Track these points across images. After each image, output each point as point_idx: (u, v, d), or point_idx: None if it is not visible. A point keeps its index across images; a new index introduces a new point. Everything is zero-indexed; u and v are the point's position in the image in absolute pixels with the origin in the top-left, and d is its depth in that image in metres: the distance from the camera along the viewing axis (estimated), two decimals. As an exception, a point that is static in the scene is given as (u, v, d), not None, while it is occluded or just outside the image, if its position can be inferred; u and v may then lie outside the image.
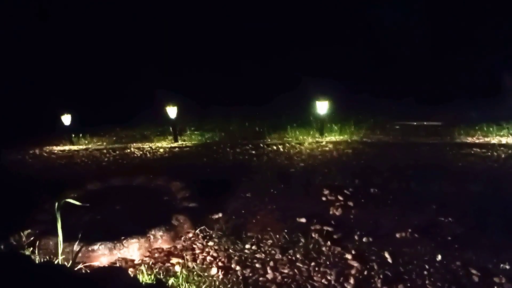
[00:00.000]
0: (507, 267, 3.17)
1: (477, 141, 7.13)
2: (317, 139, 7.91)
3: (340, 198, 4.72)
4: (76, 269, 3.30)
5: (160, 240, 3.86)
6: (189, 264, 3.48)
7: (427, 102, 10.40)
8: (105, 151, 8.40)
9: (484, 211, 4.15)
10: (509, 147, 6.45)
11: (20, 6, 13.65)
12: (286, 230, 4.02)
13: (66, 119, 9.45)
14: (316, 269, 3.33)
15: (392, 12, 12.60)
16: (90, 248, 3.59)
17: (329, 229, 3.99)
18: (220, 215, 4.48)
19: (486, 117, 8.27)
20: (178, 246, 3.85)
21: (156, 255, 3.70)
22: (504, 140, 6.97)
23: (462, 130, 7.81)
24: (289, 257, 3.54)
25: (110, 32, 13.90)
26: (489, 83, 9.98)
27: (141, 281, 3.15)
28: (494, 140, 7.06)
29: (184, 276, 3.26)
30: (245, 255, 3.61)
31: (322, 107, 8.16)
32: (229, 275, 3.30)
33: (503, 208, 4.19)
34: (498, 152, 6.28)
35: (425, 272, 3.18)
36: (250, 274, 3.31)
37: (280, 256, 3.56)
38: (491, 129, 7.73)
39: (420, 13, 12.52)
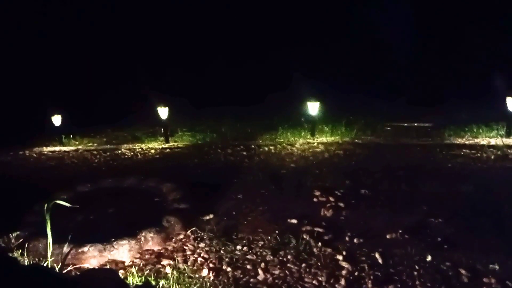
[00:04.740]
0: (496, 267, 3.19)
1: (466, 142, 7.17)
2: (308, 140, 7.92)
3: (331, 199, 4.73)
4: (65, 271, 3.27)
5: (151, 241, 3.84)
6: (180, 265, 3.47)
7: (417, 103, 10.46)
8: (95, 152, 8.35)
9: (474, 212, 4.18)
10: (498, 148, 6.50)
11: (12, 7, 13.54)
12: (277, 231, 4.02)
13: (57, 120, 9.39)
14: (307, 270, 3.33)
15: (384, 13, 12.67)
16: (80, 250, 3.56)
17: (320, 230, 3.99)
18: (211, 216, 4.48)
19: (476, 118, 8.34)
20: (169, 248, 3.84)
21: (147, 256, 3.68)
22: (493, 141, 7.02)
23: (452, 131, 7.86)
24: (280, 258, 3.54)
25: (101, 32, 13.83)
26: (478, 84, 10.06)
27: (131, 283, 3.13)
28: (484, 141, 7.11)
29: (174, 277, 3.24)
30: (236, 257, 3.61)
31: (313, 108, 8.18)
32: (220, 277, 3.30)
33: (492, 209, 4.22)
34: (487, 153, 6.33)
35: (415, 273, 3.20)
36: (241, 276, 3.31)
37: (271, 257, 3.56)
38: (480, 130, 7.79)
39: (411, 15, 12.59)
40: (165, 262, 3.56)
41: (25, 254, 3.62)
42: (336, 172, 5.81)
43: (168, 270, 3.39)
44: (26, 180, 6.53)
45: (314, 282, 3.17)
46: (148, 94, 9.93)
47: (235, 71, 13.21)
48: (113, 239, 3.70)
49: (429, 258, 3.38)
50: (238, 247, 3.76)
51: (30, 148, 9.14)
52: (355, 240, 3.78)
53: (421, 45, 12.49)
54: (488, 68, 10.19)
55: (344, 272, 3.26)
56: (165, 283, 3.17)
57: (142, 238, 3.81)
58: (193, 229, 4.14)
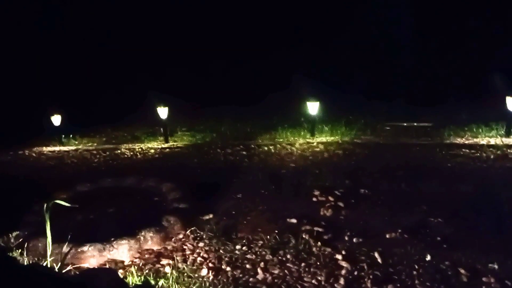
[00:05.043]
0: (496, 267, 3.20)
1: (466, 142, 7.18)
2: (308, 140, 7.92)
3: (331, 198, 4.73)
4: (65, 271, 3.27)
5: (150, 241, 3.84)
6: (180, 265, 3.47)
7: (417, 103, 10.46)
8: (95, 151, 8.35)
9: (473, 212, 4.19)
10: (498, 148, 6.51)
11: (12, 7, 13.54)
12: (276, 231, 4.02)
13: (56, 120, 9.39)
14: (307, 269, 3.33)
15: (383, 13, 12.67)
16: (79, 250, 3.56)
17: (320, 229, 3.99)
18: (211, 216, 4.48)
19: (476, 118, 8.34)
20: (169, 247, 3.84)
21: (146, 256, 3.68)
22: (492, 141, 7.02)
23: (451, 131, 7.87)
24: (280, 257, 3.54)
25: (101, 32, 13.83)
26: (478, 84, 10.06)
27: (130, 282, 3.13)
28: (483, 141, 7.11)
29: (174, 277, 3.25)
30: (236, 256, 3.61)
31: (313, 107, 8.18)
32: (220, 276, 3.30)
33: (492, 209, 4.23)
34: (487, 153, 6.33)
35: (415, 272, 3.20)
36: (241, 275, 3.31)
37: (270, 256, 3.56)
38: (480, 130, 7.79)
39: (411, 14, 12.59)
40: (164, 261, 3.56)
41: (25, 253, 3.62)
42: (335, 171, 5.81)
43: (167, 269, 3.40)
44: (26, 179, 6.53)
45: (313, 281, 3.17)
46: (148, 94, 9.92)
47: (235, 71, 13.21)
48: (112, 239, 3.70)
49: (428, 257, 3.38)
50: (238, 247, 3.76)
51: (30, 147, 9.14)
52: (354, 240, 3.78)
53: (421, 45, 12.49)
54: (488, 68, 10.19)
55: (343, 272, 3.26)
56: (165, 282, 3.17)
57: (142, 238, 3.81)
58: (192, 228, 4.14)
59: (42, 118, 9.64)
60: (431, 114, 9.32)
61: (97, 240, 3.66)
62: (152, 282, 3.16)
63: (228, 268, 3.41)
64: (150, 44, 13.97)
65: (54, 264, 3.33)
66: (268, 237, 3.91)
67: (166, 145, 8.53)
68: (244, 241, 3.88)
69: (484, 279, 3.07)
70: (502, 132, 7.47)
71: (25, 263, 3.38)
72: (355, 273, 3.25)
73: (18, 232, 3.93)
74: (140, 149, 8.30)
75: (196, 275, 3.31)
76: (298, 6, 13.53)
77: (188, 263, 3.52)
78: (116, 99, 12.11)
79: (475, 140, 7.26)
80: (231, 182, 5.59)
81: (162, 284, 3.15)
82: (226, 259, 3.57)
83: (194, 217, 4.39)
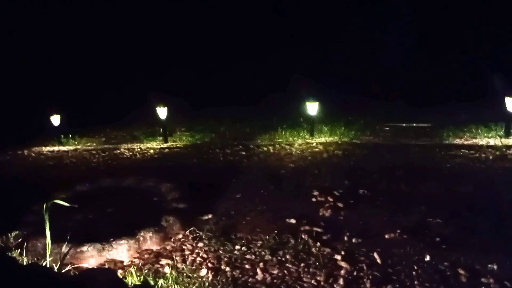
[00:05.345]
0: (495, 267, 3.20)
1: (465, 142, 7.18)
2: (307, 140, 7.92)
3: (330, 199, 4.73)
4: (64, 271, 3.27)
5: (150, 241, 3.84)
6: (179, 265, 3.47)
7: (416, 103, 10.46)
8: (94, 151, 8.34)
9: (472, 212, 4.19)
10: (497, 149, 6.51)
11: (12, 7, 13.53)
12: (276, 231, 4.02)
13: (55, 120, 9.38)
14: (306, 270, 3.33)
15: (383, 14, 12.68)
16: (78, 250, 3.56)
17: (319, 230, 4.00)
18: (210, 216, 4.48)
19: (475, 119, 8.34)
20: (168, 248, 3.84)
21: (146, 256, 3.68)
22: (492, 142, 7.02)
23: (451, 132, 7.87)
24: (279, 258, 3.54)
25: (101, 32, 13.82)
26: (478, 85, 10.07)
27: (130, 282, 3.13)
28: (482, 141, 7.11)
29: (173, 277, 3.25)
30: (235, 256, 3.61)
31: (312, 108, 8.18)
32: (219, 276, 3.30)
33: (491, 209, 4.23)
34: (486, 153, 6.33)
35: (414, 273, 3.20)
36: (240, 275, 3.31)
37: (269, 257, 3.56)
38: (479, 130, 7.79)
39: (411, 15, 12.61)
40: (163, 261, 3.56)
41: (24, 253, 3.61)
42: (335, 172, 5.81)
43: (166, 269, 3.40)
44: (25, 179, 6.53)
45: (312, 282, 3.17)
46: (147, 94, 9.92)
47: (234, 71, 13.21)
48: (112, 239, 3.70)
49: (427, 258, 3.39)
50: (237, 247, 3.76)
51: (29, 147, 9.13)
52: (353, 240, 3.78)
53: (420, 45, 12.50)
54: (487, 68, 10.20)
55: (342, 272, 3.26)
56: (164, 282, 3.17)
57: (141, 238, 3.81)
58: (191, 228, 4.14)
59: (42, 118, 9.64)
60: (430, 115, 9.33)
61: (96, 240, 3.66)
62: (152, 282, 3.16)
63: (228, 268, 3.41)
64: (149, 44, 13.97)
65: (53, 264, 3.34)
66: (267, 237, 3.91)
67: (165, 145, 8.53)
68: (243, 241, 3.88)
69: (483, 279, 3.07)
70: (501, 132, 7.47)
71: (24, 263, 3.38)
72: (354, 273, 3.25)
73: (17, 232, 3.92)
74: (139, 149, 8.30)
75: (196, 275, 3.31)
76: (297, 7, 13.54)
77: (188, 263, 3.52)
78: (116, 99, 12.11)
79: (474, 140, 7.26)
80: (230, 182, 5.59)
81: (161, 284, 3.15)
82: (226, 259, 3.57)
83: (193, 217, 4.38)
